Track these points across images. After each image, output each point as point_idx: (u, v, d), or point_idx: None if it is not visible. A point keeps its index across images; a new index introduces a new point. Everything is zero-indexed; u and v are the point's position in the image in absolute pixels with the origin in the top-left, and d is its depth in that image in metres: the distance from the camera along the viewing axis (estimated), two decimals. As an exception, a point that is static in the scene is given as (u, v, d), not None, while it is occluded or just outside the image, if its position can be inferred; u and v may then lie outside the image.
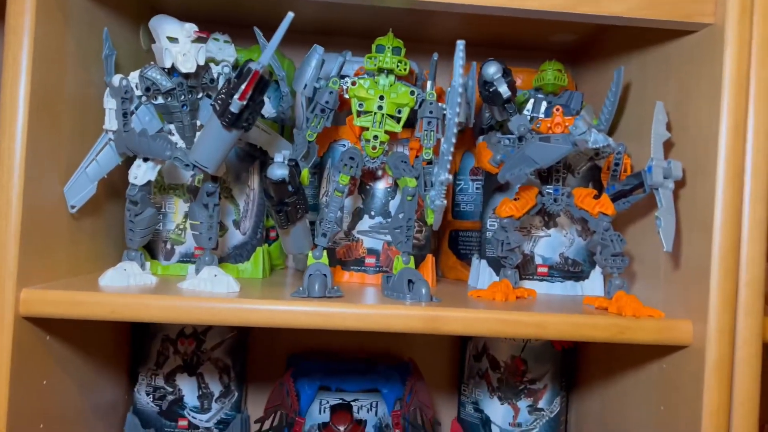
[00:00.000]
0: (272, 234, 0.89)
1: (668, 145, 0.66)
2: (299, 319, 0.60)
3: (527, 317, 0.61)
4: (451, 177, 0.56)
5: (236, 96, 0.54)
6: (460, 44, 0.54)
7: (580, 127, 0.60)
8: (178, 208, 0.78)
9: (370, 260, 0.80)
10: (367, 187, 0.80)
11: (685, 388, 0.62)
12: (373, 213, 0.80)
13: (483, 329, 0.60)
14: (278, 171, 0.58)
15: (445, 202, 0.59)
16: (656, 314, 0.63)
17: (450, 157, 0.54)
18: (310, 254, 0.67)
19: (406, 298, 0.64)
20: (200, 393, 0.87)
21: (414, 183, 0.67)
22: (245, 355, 0.92)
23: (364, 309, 0.60)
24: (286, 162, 0.59)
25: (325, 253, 0.68)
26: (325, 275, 0.64)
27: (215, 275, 0.64)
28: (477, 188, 0.91)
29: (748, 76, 0.59)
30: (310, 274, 0.64)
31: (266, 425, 0.81)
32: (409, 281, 0.66)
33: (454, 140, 0.54)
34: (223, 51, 0.79)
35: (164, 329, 0.87)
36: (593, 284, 0.79)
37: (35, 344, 0.61)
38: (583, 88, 0.92)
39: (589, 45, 0.93)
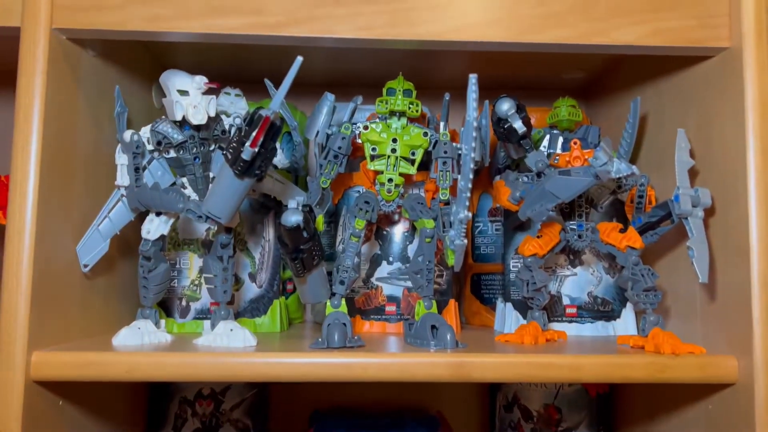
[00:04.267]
0: (289, 287, 0.87)
1: (693, 173, 0.64)
2: (319, 371, 0.57)
3: (560, 360, 0.57)
4: (470, 214, 0.54)
5: (247, 143, 0.53)
6: (473, 78, 0.53)
7: (601, 158, 0.58)
8: (192, 263, 0.76)
9: (390, 308, 0.77)
10: (384, 232, 0.78)
11: (735, 430, 0.58)
12: (391, 259, 0.77)
13: (514, 374, 0.57)
14: (292, 217, 0.56)
15: (466, 241, 0.57)
16: (697, 350, 0.59)
17: (468, 194, 0.53)
18: (328, 303, 0.65)
19: (431, 345, 0.61)
20: (220, 457, 0.83)
21: (432, 224, 0.65)
22: (266, 414, 0.89)
23: (386, 358, 0.58)
24: (300, 208, 0.57)
25: (343, 301, 0.65)
26: (344, 324, 0.62)
27: (231, 329, 0.62)
28: (497, 229, 0.89)
29: (772, 97, 0.57)
30: (329, 324, 0.62)
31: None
32: (433, 327, 0.63)
33: (471, 176, 0.52)
34: (235, 104, 0.79)
35: (181, 390, 0.84)
36: (626, 323, 0.75)
37: (47, 410, 0.58)
38: (597, 123, 0.91)
39: (600, 80, 0.92)
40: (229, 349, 0.59)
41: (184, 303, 0.76)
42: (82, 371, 0.56)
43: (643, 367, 0.57)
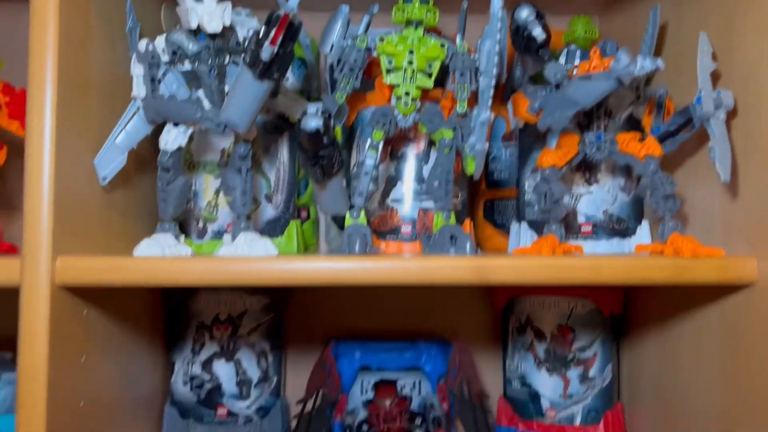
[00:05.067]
0: (303, 214, 0.87)
1: (714, 78, 0.63)
2: (341, 275, 0.57)
3: (579, 262, 0.58)
4: (492, 116, 0.53)
5: (267, 42, 0.52)
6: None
7: (623, 60, 0.57)
8: (208, 185, 0.76)
9: (406, 228, 0.77)
10: (399, 153, 0.77)
11: (752, 331, 0.58)
12: (406, 179, 0.77)
13: (534, 276, 0.57)
14: (312, 122, 0.56)
15: (487, 145, 0.57)
16: (716, 253, 0.59)
17: (491, 93, 0.52)
18: (347, 215, 0.65)
19: (450, 252, 0.62)
20: (238, 380, 0.85)
21: (450, 134, 0.65)
22: (282, 340, 0.90)
23: (408, 262, 0.58)
24: (320, 113, 0.57)
25: (362, 212, 0.65)
26: (365, 234, 0.62)
27: (252, 240, 0.62)
28: (510, 154, 0.88)
29: (798, -6, 0.56)
30: (349, 233, 0.62)
31: (308, 406, 0.78)
32: (452, 237, 0.63)
33: (495, 72, 0.51)
34: (245, 24, 0.78)
35: (199, 315, 0.85)
36: (641, 240, 0.75)
37: (73, 317, 0.59)
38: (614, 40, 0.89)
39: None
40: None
41: (201, 224, 0.76)
42: (106, 276, 0.56)
43: (663, 268, 0.58)
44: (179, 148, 0.63)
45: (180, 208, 0.66)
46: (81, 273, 0.56)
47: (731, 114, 0.61)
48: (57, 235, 0.56)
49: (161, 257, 0.58)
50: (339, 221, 0.81)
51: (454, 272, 0.57)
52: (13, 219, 0.82)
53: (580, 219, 0.76)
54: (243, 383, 0.85)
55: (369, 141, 0.65)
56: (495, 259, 0.58)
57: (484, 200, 0.91)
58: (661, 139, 0.65)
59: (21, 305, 0.55)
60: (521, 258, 0.58)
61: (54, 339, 0.56)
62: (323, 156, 0.58)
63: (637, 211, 0.76)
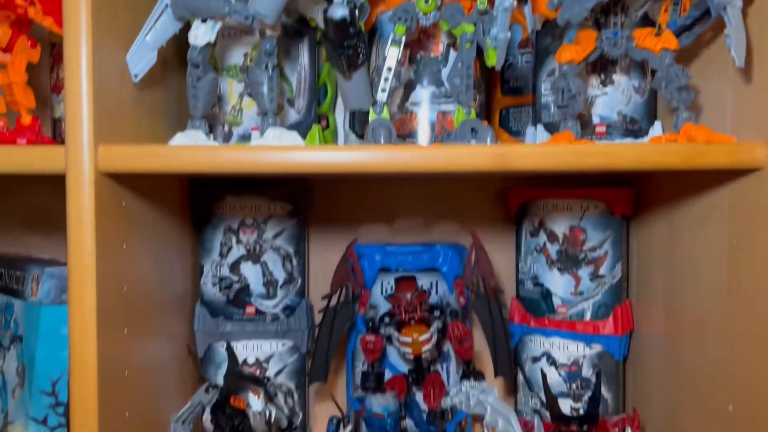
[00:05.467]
0: (323, 123, 0.89)
1: (733, -32, 0.64)
2: (368, 163, 0.60)
3: (596, 148, 0.61)
4: (515, 2, 0.55)
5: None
6: None
7: (643, -52, 0.58)
8: (232, 90, 0.78)
9: (425, 130, 0.80)
10: (418, 56, 0.79)
11: (760, 215, 0.61)
12: (425, 82, 0.79)
13: (553, 162, 0.60)
14: (339, 11, 0.58)
15: (509, 34, 0.58)
16: (728, 140, 0.62)
17: (513, -21, 0.53)
18: (371, 110, 0.68)
19: (471, 143, 0.64)
20: (265, 280, 0.89)
21: (472, 28, 0.66)
22: (306, 244, 0.94)
23: (431, 150, 0.61)
24: (346, 2, 0.59)
25: (386, 108, 0.67)
26: (388, 127, 0.65)
27: (281, 134, 0.65)
28: (527, 62, 0.90)
29: None
30: (374, 127, 0.65)
31: (333, 301, 0.83)
32: (473, 129, 0.66)
33: (518, -44, 0.52)
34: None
35: (226, 219, 0.89)
36: (653, 139, 0.77)
37: (115, 205, 0.63)
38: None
39: None
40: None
41: (226, 128, 0.79)
42: (145, 162, 0.59)
43: (677, 153, 0.60)
44: (208, 44, 0.64)
45: (210, 105, 0.68)
46: (122, 160, 0.59)
47: (747, 2, 0.62)
48: (97, 126, 0.59)
49: (196, 145, 0.61)
50: (358, 127, 0.83)
51: (476, 159, 0.60)
52: (43, 118, 0.84)
53: (595, 120, 0.78)
54: (269, 284, 0.89)
55: (391, 36, 0.67)
56: (515, 147, 0.60)
57: (500, 108, 0.93)
58: (677, 34, 0.66)
59: (67, 192, 0.58)
60: (540, 146, 0.61)
61: (99, 224, 0.59)
62: (349, 46, 0.60)
63: (651, 111, 0.78)
